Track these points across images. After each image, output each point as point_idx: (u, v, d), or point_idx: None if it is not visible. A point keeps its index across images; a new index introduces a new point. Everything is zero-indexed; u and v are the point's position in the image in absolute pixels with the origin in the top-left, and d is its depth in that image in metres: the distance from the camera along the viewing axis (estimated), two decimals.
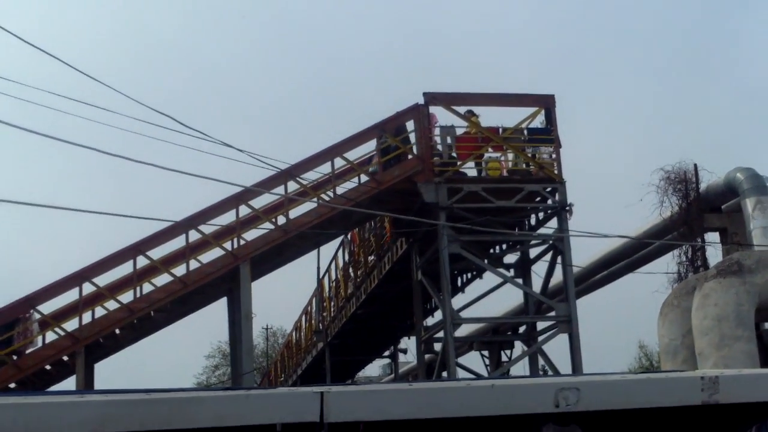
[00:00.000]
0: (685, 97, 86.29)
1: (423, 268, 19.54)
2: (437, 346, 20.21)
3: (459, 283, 22.00)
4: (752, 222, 18.09)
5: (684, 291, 14.87)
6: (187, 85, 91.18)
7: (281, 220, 18.18)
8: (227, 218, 18.03)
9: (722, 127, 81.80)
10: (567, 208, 18.07)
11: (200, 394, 5.11)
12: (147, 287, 18.02)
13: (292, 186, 18.18)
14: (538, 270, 19.66)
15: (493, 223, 17.72)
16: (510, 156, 18.88)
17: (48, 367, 18.01)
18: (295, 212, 18.27)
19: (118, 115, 12.63)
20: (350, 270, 25.23)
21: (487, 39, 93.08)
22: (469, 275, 21.87)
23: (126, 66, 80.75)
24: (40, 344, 17.68)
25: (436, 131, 18.42)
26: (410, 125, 18.54)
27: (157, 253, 17.95)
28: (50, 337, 17.64)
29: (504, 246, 20.38)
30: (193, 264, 17.91)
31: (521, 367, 21.06)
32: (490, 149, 18.80)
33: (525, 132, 18.67)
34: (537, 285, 19.64)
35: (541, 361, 19.78)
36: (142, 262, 17.79)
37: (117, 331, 18.36)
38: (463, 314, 19.11)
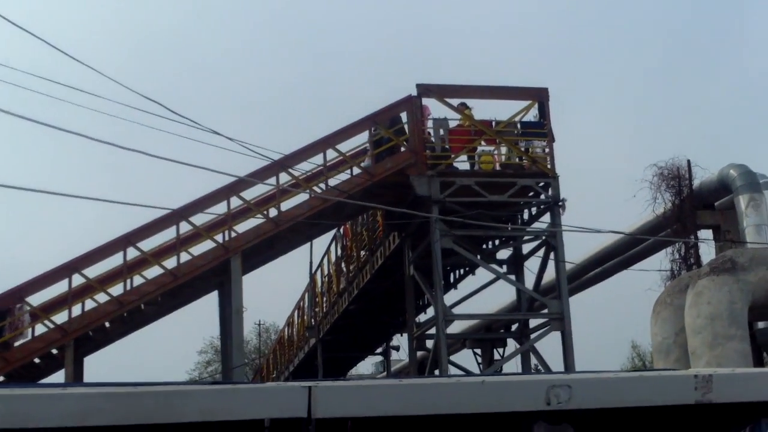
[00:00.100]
0: (681, 92, 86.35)
1: (415, 263, 19.44)
2: (429, 344, 20.12)
3: (452, 279, 21.90)
4: (745, 219, 18.04)
5: (677, 289, 14.80)
6: (180, 76, 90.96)
7: (273, 212, 18.05)
8: (218, 210, 17.90)
9: (717, 123, 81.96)
10: (560, 203, 17.97)
11: (186, 388, 5.05)
12: (138, 280, 17.87)
13: (284, 178, 18.05)
14: (532, 267, 19.61)
15: (486, 217, 17.63)
16: (503, 150, 18.77)
17: (37, 360, 17.86)
18: (286, 204, 18.15)
19: (109, 103, 12.46)
20: (342, 265, 25.12)
21: (481, 32, 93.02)
22: (462, 271, 21.77)
23: (119, 56, 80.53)
24: (30, 336, 17.52)
25: (429, 123, 18.31)
26: (403, 117, 18.42)
27: (148, 244, 17.82)
28: (39, 329, 17.50)
29: (497, 241, 20.28)
30: (185, 256, 17.78)
31: (514, 366, 20.96)
32: (483, 142, 18.70)
33: (518, 125, 18.57)
34: (530, 281, 19.56)
35: (533, 360, 19.70)
36: (133, 254, 17.65)
37: (107, 324, 18.19)
38: (456, 311, 19.03)
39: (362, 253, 23.16)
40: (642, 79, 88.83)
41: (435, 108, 18.38)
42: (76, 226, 78.33)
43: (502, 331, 23.90)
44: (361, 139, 18.67)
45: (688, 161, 20.83)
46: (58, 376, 17.88)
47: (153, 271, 17.77)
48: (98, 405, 4.67)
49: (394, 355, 30.62)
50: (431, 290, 18.14)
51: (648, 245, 21.83)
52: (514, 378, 5.60)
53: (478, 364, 24.97)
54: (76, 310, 17.43)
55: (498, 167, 18.59)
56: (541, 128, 18.31)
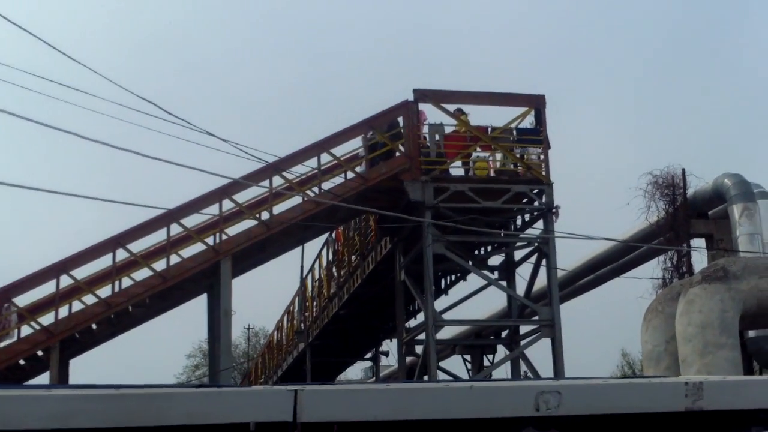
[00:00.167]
0: (678, 100, 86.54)
1: (406, 269, 19.36)
2: (419, 349, 20.03)
3: (443, 285, 21.84)
4: (739, 228, 18.03)
5: (668, 297, 14.74)
6: (178, 78, 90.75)
7: (265, 215, 17.95)
8: (210, 212, 17.79)
9: (714, 132, 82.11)
10: (553, 210, 17.92)
11: (170, 391, 4.96)
12: (126, 281, 17.74)
13: (278, 181, 17.95)
14: (524, 273, 19.55)
15: (479, 223, 17.57)
16: (498, 156, 18.72)
17: (22, 362, 17.70)
18: (279, 208, 18.06)
19: (105, 103, 12.37)
20: (334, 269, 25.03)
21: (478, 38, 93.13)
22: (453, 277, 21.71)
23: (118, 56, 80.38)
24: (16, 337, 17.36)
25: (425, 129, 18.25)
26: (401, 122, 18.36)
27: (139, 246, 17.69)
28: (25, 330, 17.34)
29: (489, 248, 20.23)
30: (174, 259, 17.66)
31: (503, 372, 20.89)
32: (478, 148, 18.64)
33: (514, 132, 18.51)
34: (521, 288, 19.50)
35: (523, 367, 19.63)
36: (123, 255, 17.52)
37: (93, 326, 18.05)
38: (446, 316, 18.95)
39: (354, 257, 23.07)
40: (638, 86, 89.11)
41: (431, 113, 18.34)
42: (72, 227, 78.02)
43: (492, 337, 23.86)
44: (357, 143, 18.59)
45: (683, 170, 20.87)
46: (43, 378, 17.76)
47: (142, 273, 17.66)
48: (80, 407, 4.58)
49: (383, 360, 30.55)
50: (422, 295, 18.06)
51: (640, 253, 21.82)
52: (503, 383, 5.52)
53: (468, 370, 24.93)
54: (63, 311, 17.31)
55: (492, 173, 18.53)
56: (537, 135, 18.27)
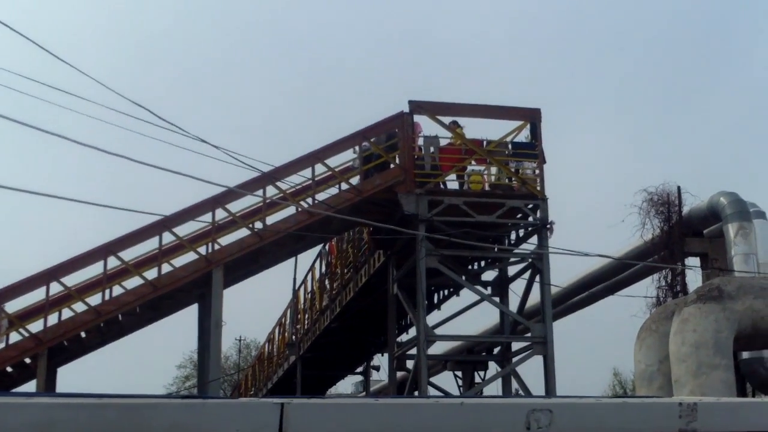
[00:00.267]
0: (675, 116, 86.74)
1: (399, 282, 19.25)
2: (410, 364, 19.89)
3: (435, 300, 21.73)
4: (734, 248, 17.96)
5: (662, 316, 14.62)
6: (170, 87, 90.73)
7: (258, 226, 17.83)
8: (203, 221, 17.65)
9: (710, 150, 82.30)
10: (548, 225, 17.82)
11: (153, 401, 4.82)
12: (117, 290, 17.61)
13: (271, 191, 17.84)
14: (517, 289, 19.44)
15: (473, 237, 17.45)
16: (493, 170, 18.63)
17: (9, 369, 17.53)
18: (272, 218, 17.94)
19: (99, 108, 12.25)
20: (326, 282, 24.91)
21: (474, 52, 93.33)
22: (446, 292, 21.60)
23: (112, 63, 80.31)
24: (4, 344, 17.20)
25: (420, 141, 18.16)
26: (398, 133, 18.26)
27: (130, 254, 17.57)
28: (14, 338, 17.19)
29: (482, 263, 20.12)
30: (166, 268, 17.53)
31: (495, 389, 20.77)
32: (473, 162, 18.56)
33: (509, 146, 18.43)
34: (514, 304, 19.39)
35: (514, 384, 19.50)
36: (114, 263, 17.39)
37: (83, 334, 17.90)
38: (438, 331, 18.82)
39: (347, 270, 22.95)
40: (636, 101, 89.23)
41: (426, 125, 18.26)
42: (65, 233, 77.86)
43: (483, 353, 23.73)
44: (349, 155, 18.49)
45: (678, 188, 20.81)
46: (30, 386, 17.57)
47: (133, 282, 17.52)
48: (60, 416, 4.42)
49: (374, 375, 30.41)
50: (414, 310, 17.93)
51: (634, 271, 21.74)
52: (493, 400, 5.39)
53: (459, 386, 24.78)
54: (53, 319, 17.16)
55: (487, 187, 18.44)
56: (533, 149, 18.18)
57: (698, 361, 13.08)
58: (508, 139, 18.35)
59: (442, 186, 18.26)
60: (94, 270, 17.45)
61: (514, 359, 18.89)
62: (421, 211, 17.31)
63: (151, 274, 17.38)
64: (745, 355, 17.64)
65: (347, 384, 47.75)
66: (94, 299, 17.31)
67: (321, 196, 17.88)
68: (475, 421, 4.73)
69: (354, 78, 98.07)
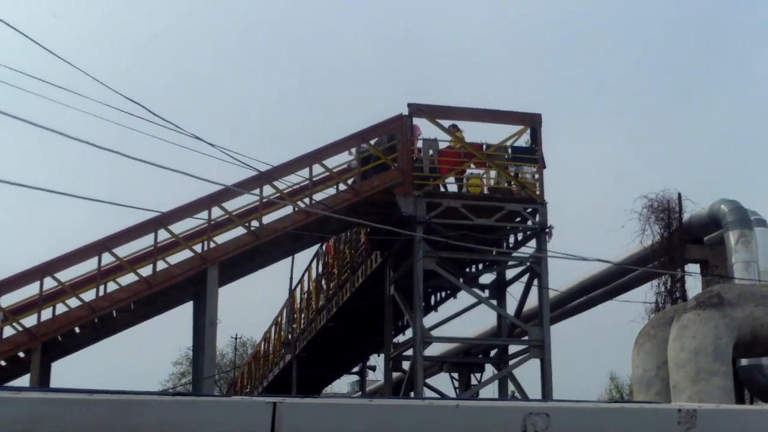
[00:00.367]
0: (675, 122, 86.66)
1: (396, 284, 19.16)
2: (406, 365, 19.80)
3: (432, 302, 21.64)
4: (734, 255, 17.87)
5: (661, 321, 14.51)
6: (168, 87, 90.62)
7: (254, 225, 17.73)
8: (199, 219, 17.56)
9: (711, 157, 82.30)
10: (547, 230, 17.74)
11: (143, 398, 4.72)
12: (112, 286, 17.53)
13: (268, 191, 17.74)
14: (515, 293, 19.35)
15: (471, 240, 17.37)
16: (492, 174, 18.54)
17: (3, 363, 17.46)
18: (269, 218, 17.85)
19: (96, 105, 12.15)
20: (323, 282, 24.85)
21: (474, 56, 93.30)
22: (443, 294, 21.51)
23: (109, 62, 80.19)
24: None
25: (419, 143, 18.07)
26: None
27: (125, 250, 17.49)
28: (8, 332, 17.08)
29: (480, 266, 20.03)
30: (161, 265, 17.43)
31: (491, 392, 20.66)
32: (472, 165, 18.46)
33: (509, 150, 18.34)
34: (512, 308, 19.29)
35: (511, 387, 19.41)
36: (109, 259, 17.29)
37: (77, 329, 17.84)
38: (435, 333, 18.74)
39: (343, 270, 22.88)
40: (637, 107, 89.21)
41: (425, 128, 18.17)
42: (61, 228, 77.69)
43: (480, 356, 23.65)
44: (346, 157, 18.39)
45: (679, 194, 20.71)
46: (24, 381, 17.51)
47: (128, 278, 17.46)
48: (48, 411, 4.33)
49: (370, 375, 30.35)
50: (411, 311, 17.84)
51: (633, 277, 21.65)
52: (490, 403, 5.28)
53: (455, 388, 24.70)
54: (47, 313, 17.08)
55: (486, 191, 18.34)
56: (532, 154, 18.10)
57: (697, 368, 12.97)
58: (508, 143, 18.26)
59: (441, 188, 18.18)
60: (89, 266, 17.40)
61: (511, 362, 18.80)
62: (419, 212, 17.22)
63: (146, 271, 17.32)
64: (744, 362, 17.54)
65: (343, 384, 47.76)
66: (88, 295, 17.24)
67: (318, 197, 17.79)
68: (470, 423, 4.62)
69: (353, 80, 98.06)
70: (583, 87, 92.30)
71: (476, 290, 19.45)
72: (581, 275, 23.41)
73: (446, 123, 18.17)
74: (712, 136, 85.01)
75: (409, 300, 18.04)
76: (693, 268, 20.63)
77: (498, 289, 19.78)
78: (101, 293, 17.29)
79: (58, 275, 16.93)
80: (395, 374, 21.47)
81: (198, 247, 17.58)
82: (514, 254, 19.10)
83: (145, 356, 71.54)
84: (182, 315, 19.34)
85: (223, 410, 4.51)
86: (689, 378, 13.02)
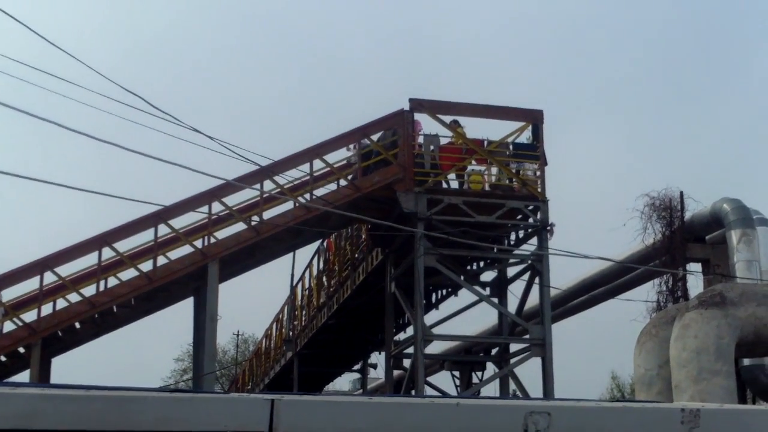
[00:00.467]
0: (678, 120, 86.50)
1: (397, 281, 19.09)
2: (407, 363, 19.75)
3: (433, 300, 21.57)
4: (736, 254, 17.79)
5: (663, 320, 14.45)
6: (169, 82, 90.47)
7: (255, 220, 17.67)
8: (199, 214, 17.52)
9: (713, 155, 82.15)
10: (548, 227, 17.67)
11: (140, 394, 4.66)
12: (112, 281, 17.47)
13: (269, 186, 17.67)
14: (516, 291, 19.29)
15: (472, 237, 17.29)
16: (493, 170, 18.46)
17: (3, 358, 17.42)
18: (269, 213, 17.79)
19: (94, 96, 12.08)
20: (324, 279, 24.79)
21: (478, 49, 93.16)
22: (444, 292, 21.44)
23: (117, 56, 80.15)
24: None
25: (420, 139, 17.99)
26: None
27: (126, 245, 17.42)
28: (8, 327, 17.05)
29: (481, 263, 19.96)
30: (162, 260, 17.39)
31: (492, 390, 20.61)
32: (473, 161, 18.39)
33: (510, 147, 18.25)
34: (513, 306, 19.22)
35: (512, 385, 19.35)
36: (109, 254, 17.24)
37: (77, 324, 17.78)
38: (436, 331, 18.68)
39: (344, 267, 22.82)
40: (638, 104, 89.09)
41: (427, 124, 18.08)
42: (59, 221, 77.72)
43: (481, 354, 23.58)
44: (345, 153, 18.33)
45: (681, 193, 20.65)
46: (24, 376, 17.46)
47: (128, 273, 17.39)
48: (44, 407, 4.26)
49: (371, 373, 30.26)
50: (411, 309, 17.78)
51: (635, 276, 21.57)
52: (490, 402, 5.22)
53: (456, 386, 24.63)
54: (47, 309, 17.03)
55: (487, 188, 18.26)
56: (534, 151, 18.02)
57: (699, 367, 12.91)
58: (510, 139, 18.17)
59: (443, 185, 18.10)
60: (89, 261, 17.35)
61: (512, 360, 18.73)
62: (420, 209, 17.15)
63: (146, 266, 17.25)
64: (746, 361, 17.47)
65: (345, 381, 47.71)
66: (89, 290, 17.20)
67: (319, 192, 17.74)
68: (471, 422, 4.56)
69: (354, 76, 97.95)
70: (584, 84, 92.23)
71: (477, 288, 19.37)
72: (583, 273, 23.35)
73: (447, 119, 18.09)
74: (714, 135, 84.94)
75: (410, 297, 17.98)
76: (694, 267, 20.59)
77: (499, 287, 19.71)
78: (101, 288, 17.22)
79: (58, 270, 16.89)
80: (396, 372, 21.41)
81: (198, 243, 17.52)
82: (516, 252, 19.04)
83: (147, 353, 71.68)
84: (184, 311, 19.32)
85: (221, 407, 4.45)
86: (691, 378, 12.96)
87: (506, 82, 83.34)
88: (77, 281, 17.28)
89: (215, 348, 18.61)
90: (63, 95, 11.88)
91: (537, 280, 17.98)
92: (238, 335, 56.08)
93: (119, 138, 11.63)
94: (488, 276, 20.15)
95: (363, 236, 21.12)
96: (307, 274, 26.44)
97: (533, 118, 18.13)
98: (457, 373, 25.34)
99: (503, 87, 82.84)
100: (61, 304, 17.15)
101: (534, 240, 18.23)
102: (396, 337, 21.52)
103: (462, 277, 19.05)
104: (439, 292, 21.58)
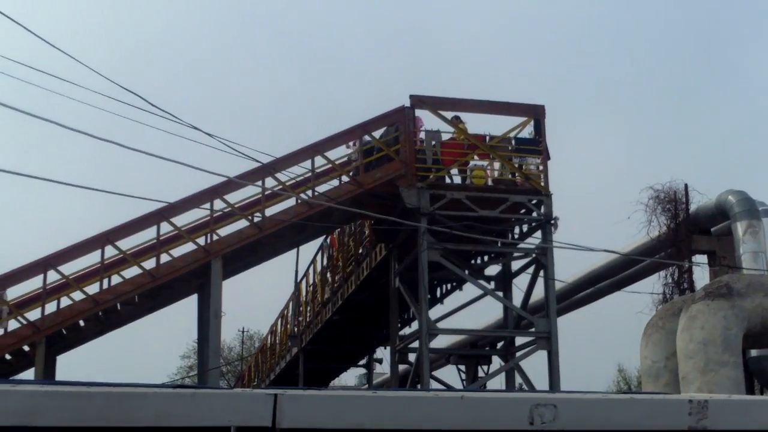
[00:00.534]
0: (682, 112, 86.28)
1: (401, 276, 19.05)
2: (412, 357, 19.72)
3: (438, 294, 21.53)
4: (742, 246, 17.71)
5: (670, 312, 14.40)
6: (170, 81, 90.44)
7: (257, 217, 17.65)
8: (201, 212, 17.50)
9: (718, 146, 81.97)
10: (552, 221, 17.62)
11: (141, 390, 4.62)
12: (116, 279, 17.46)
13: (271, 183, 17.65)
14: (521, 284, 19.24)
15: (476, 232, 17.24)
16: (496, 165, 18.40)
17: (8, 356, 17.42)
18: (272, 210, 17.76)
19: (92, 96, 12.06)
20: (328, 275, 24.77)
21: (479, 47, 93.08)
22: (449, 286, 21.40)
23: (117, 55, 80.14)
24: (2, 331, 17.10)
25: (422, 135, 17.94)
26: None
27: (128, 243, 17.43)
28: (12, 325, 17.05)
29: (485, 257, 19.91)
30: (165, 258, 17.38)
31: (498, 384, 20.55)
32: (475, 157, 18.33)
33: (513, 141, 18.19)
34: (518, 299, 19.19)
35: (518, 379, 19.30)
36: (112, 252, 17.24)
37: (81, 322, 17.80)
38: (441, 325, 18.64)
39: (348, 263, 22.79)
40: (642, 97, 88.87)
41: (428, 120, 18.04)
42: (61, 220, 77.80)
43: (487, 348, 23.55)
44: (345, 150, 18.31)
45: (686, 185, 20.57)
46: (29, 374, 17.46)
47: (131, 271, 17.40)
48: (45, 403, 4.24)
49: (377, 368, 30.29)
50: (416, 303, 17.74)
51: (640, 268, 21.51)
52: (495, 394, 5.18)
53: (462, 380, 24.64)
54: (50, 307, 17.04)
55: (490, 182, 18.20)
56: (536, 145, 17.96)
57: (706, 358, 12.86)
58: (512, 134, 18.12)
59: (445, 180, 18.05)
60: (92, 259, 17.35)
61: (518, 354, 18.69)
62: (423, 204, 17.11)
63: (149, 264, 17.25)
64: (754, 352, 17.39)
65: (350, 376, 47.76)
66: (92, 288, 17.21)
67: (321, 188, 17.70)
68: (476, 415, 4.51)
69: (356, 72, 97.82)
70: (587, 78, 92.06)
71: (482, 282, 19.34)
72: (588, 266, 23.29)
73: (448, 115, 18.04)
74: (719, 127, 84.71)
75: (415, 292, 17.95)
76: (700, 259, 20.50)
77: (504, 281, 19.67)
78: (105, 286, 17.23)
79: (61, 268, 16.89)
80: (402, 367, 21.39)
81: (201, 240, 17.52)
82: (520, 245, 18.98)
83: (153, 350, 71.70)
84: (189, 309, 19.33)
85: (224, 402, 4.41)
86: (698, 369, 12.91)
87: (507, 82, 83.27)
88: (80, 279, 17.28)
89: (219, 344, 18.59)
90: (63, 95, 11.88)
91: (542, 273, 17.93)
92: (243, 332, 56.19)
93: (120, 137, 11.62)
94: (493, 270, 20.13)
95: (366, 232, 21.09)
96: (311, 270, 26.44)
97: (535, 113, 18.06)
98: (462, 367, 25.34)
99: (503, 86, 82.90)
100: (64, 302, 17.15)
101: (538, 234, 18.17)
102: (401, 332, 21.50)
103: (466, 272, 19.01)
104: (444, 286, 21.54)
